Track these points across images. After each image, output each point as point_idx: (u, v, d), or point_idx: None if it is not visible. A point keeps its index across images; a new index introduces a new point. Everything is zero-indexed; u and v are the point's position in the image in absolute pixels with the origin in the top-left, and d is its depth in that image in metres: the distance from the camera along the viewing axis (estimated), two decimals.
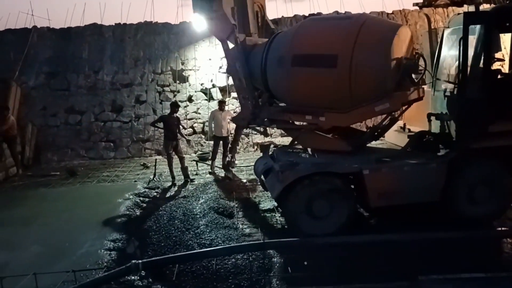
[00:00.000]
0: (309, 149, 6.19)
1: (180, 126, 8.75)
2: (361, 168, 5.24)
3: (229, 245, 5.20)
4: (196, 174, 8.99)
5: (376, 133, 6.27)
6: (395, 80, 5.26)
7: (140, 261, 4.27)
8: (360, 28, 5.25)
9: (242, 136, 11.30)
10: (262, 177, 6.19)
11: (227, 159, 9.24)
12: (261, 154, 7.71)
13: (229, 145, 9.30)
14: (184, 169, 8.56)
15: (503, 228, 5.45)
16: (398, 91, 5.36)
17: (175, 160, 8.57)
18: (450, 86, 5.62)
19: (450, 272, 4.26)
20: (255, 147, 11.32)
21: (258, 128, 6.73)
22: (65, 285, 4.25)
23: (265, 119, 6.27)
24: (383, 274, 4.27)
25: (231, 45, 6.38)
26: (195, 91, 12.03)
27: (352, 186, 5.60)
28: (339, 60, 5.22)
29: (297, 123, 6.21)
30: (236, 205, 6.85)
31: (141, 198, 7.39)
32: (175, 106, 8.59)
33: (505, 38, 6.43)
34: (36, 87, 11.86)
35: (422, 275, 4.16)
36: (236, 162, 9.45)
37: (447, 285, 4.16)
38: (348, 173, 5.38)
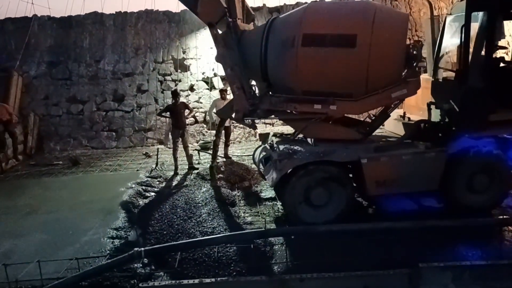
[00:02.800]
0: (309, 139, 6.12)
1: (187, 110, 8.63)
2: (359, 157, 5.24)
3: (231, 233, 5.23)
4: (198, 163, 9.00)
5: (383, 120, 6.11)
6: (406, 66, 5.33)
7: (142, 249, 4.32)
8: (375, 14, 5.18)
9: (241, 126, 11.18)
10: (261, 166, 6.17)
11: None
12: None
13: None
14: (189, 157, 8.61)
15: (504, 217, 5.45)
16: (410, 77, 5.41)
17: (179, 149, 8.59)
18: (451, 74, 5.57)
19: (451, 259, 4.29)
20: (257, 136, 11.29)
21: (246, 121, 6.10)
22: (68, 273, 4.30)
23: (266, 110, 5.87)
24: (384, 261, 4.29)
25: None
26: (197, 80, 11.98)
27: (351, 175, 5.60)
28: (358, 40, 5.12)
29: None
30: (238, 194, 6.88)
31: (144, 187, 7.43)
32: (175, 95, 8.56)
33: (510, 25, 6.35)
34: (37, 77, 11.83)
35: (422, 262, 4.19)
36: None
37: (447, 272, 4.19)
38: (346, 162, 5.37)
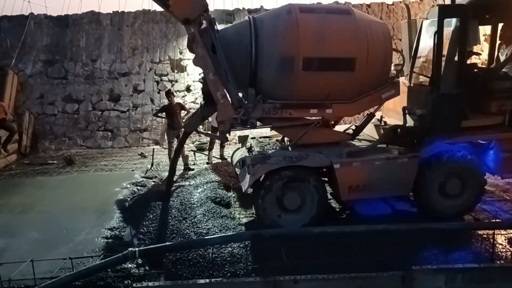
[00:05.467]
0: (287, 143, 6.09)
1: (184, 111, 8.62)
2: (331, 162, 5.25)
3: (225, 234, 5.24)
4: (194, 164, 9.00)
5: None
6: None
7: (136, 249, 4.30)
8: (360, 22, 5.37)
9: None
10: (237, 169, 6.02)
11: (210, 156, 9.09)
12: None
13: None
14: (185, 158, 8.60)
15: (496, 220, 5.50)
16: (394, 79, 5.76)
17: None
18: (427, 79, 5.62)
19: (444, 262, 4.32)
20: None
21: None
22: (62, 272, 4.29)
23: (258, 119, 5.48)
24: (378, 263, 4.32)
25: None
26: (193, 81, 11.98)
27: (326, 179, 5.67)
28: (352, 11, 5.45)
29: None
30: (233, 195, 6.88)
31: (139, 187, 7.40)
32: (168, 95, 8.56)
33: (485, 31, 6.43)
34: (33, 75, 11.78)
35: (415, 265, 4.23)
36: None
37: (440, 275, 4.22)
38: (319, 166, 5.40)
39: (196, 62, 5.48)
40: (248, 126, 5.52)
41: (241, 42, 5.35)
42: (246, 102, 5.37)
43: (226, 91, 5.35)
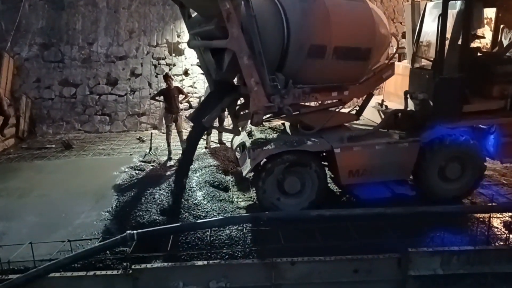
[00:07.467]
0: (287, 127, 6.10)
1: (182, 95, 8.59)
2: (332, 146, 5.25)
3: (224, 217, 5.26)
4: None
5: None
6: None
7: (135, 231, 4.32)
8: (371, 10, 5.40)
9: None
10: (237, 153, 6.04)
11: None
12: None
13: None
14: (183, 143, 8.57)
15: (493, 204, 5.54)
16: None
17: (173, 134, 8.55)
18: (429, 63, 5.57)
19: (440, 245, 4.36)
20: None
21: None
22: (60, 255, 4.32)
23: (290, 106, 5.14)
24: (375, 246, 4.35)
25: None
26: (191, 65, 11.85)
27: (326, 163, 5.68)
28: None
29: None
30: (232, 179, 6.90)
31: (137, 171, 7.40)
32: (166, 78, 8.48)
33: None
34: (29, 59, 11.62)
35: (412, 247, 4.26)
36: None
37: (436, 257, 4.27)
38: (320, 151, 5.41)
39: (230, 44, 4.73)
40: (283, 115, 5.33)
41: (267, 24, 4.92)
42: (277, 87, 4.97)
43: (260, 77, 4.84)
